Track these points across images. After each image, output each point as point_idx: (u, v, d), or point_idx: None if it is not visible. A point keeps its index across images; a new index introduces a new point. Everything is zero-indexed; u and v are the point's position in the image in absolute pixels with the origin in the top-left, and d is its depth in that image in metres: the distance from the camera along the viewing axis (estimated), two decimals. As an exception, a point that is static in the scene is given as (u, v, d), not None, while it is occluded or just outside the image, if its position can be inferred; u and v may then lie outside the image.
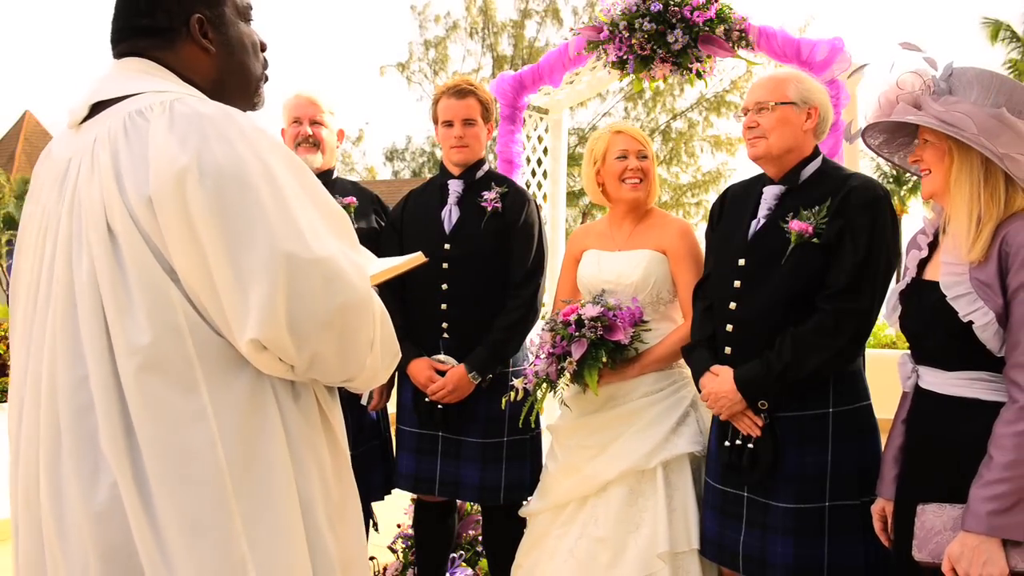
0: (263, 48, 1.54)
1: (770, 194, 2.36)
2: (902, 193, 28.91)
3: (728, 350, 2.36)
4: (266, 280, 1.22)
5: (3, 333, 5.18)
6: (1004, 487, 1.67)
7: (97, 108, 1.37)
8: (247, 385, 1.29)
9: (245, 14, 1.51)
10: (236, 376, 1.28)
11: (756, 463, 2.28)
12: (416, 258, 1.67)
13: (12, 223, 24.01)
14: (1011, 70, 21.86)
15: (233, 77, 1.48)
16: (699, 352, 2.44)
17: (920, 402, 1.93)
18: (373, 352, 1.37)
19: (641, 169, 2.72)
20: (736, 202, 2.49)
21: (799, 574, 2.21)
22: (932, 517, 1.80)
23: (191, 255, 1.23)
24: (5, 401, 4.77)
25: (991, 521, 1.67)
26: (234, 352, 1.28)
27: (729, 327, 2.36)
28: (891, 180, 30.25)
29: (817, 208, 2.24)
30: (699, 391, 2.43)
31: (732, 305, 2.35)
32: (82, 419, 1.25)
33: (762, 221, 2.35)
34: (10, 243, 24.87)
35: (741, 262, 2.35)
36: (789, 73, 2.48)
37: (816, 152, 2.37)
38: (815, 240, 2.21)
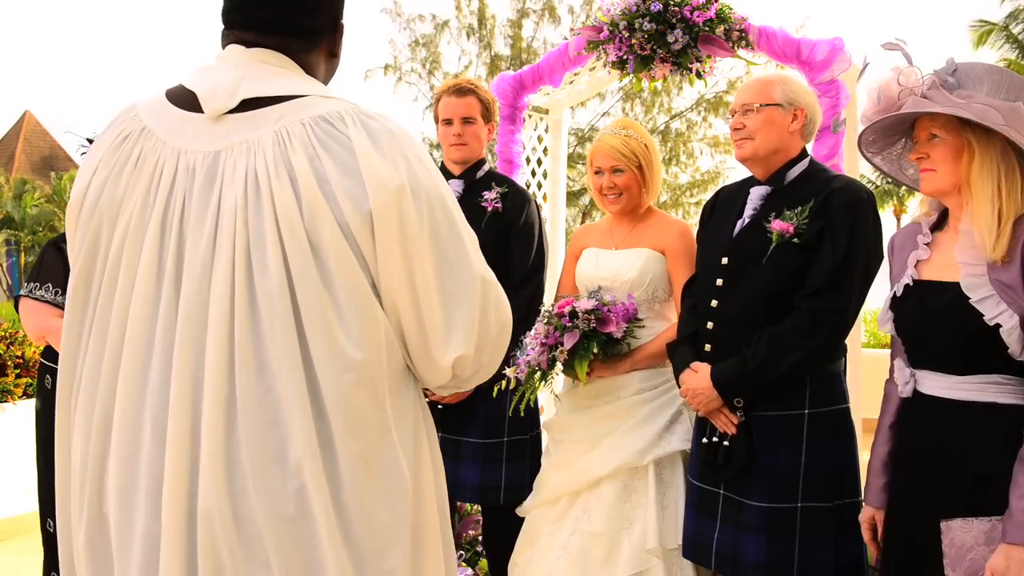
0: None
1: (756, 195, 2.38)
2: (901, 193, 28.90)
3: (708, 347, 2.37)
4: (469, 302, 1.29)
5: (3, 333, 5.17)
6: None
7: (243, 103, 1.29)
8: (412, 397, 1.34)
9: None
10: (407, 389, 1.33)
11: (731, 460, 2.29)
12: None
13: (11, 223, 23.98)
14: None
15: (329, 79, 1.48)
16: (681, 349, 2.46)
17: (918, 407, 1.88)
18: None
19: (615, 185, 2.71)
20: (726, 203, 2.51)
21: (769, 573, 2.21)
22: (961, 533, 1.73)
23: (398, 272, 1.24)
24: (6, 401, 4.77)
25: None
26: (404, 366, 1.32)
27: (710, 324, 2.37)
28: (891, 180, 30.21)
29: (799, 208, 2.25)
30: (679, 387, 2.45)
31: (714, 303, 2.36)
32: (267, 433, 1.20)
33: (747, 221, 2.37)
34: (8, 242, 24.84)
35: (724, 261, 2.37)
36: (776, 75, 2.50)
37: (804, 154, 2.39)
38: (796, 240, 2.22)
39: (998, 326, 1.71)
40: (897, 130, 1.97)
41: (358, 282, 1.22)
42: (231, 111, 1.27)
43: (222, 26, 1.39)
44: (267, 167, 1.22)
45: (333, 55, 1.44)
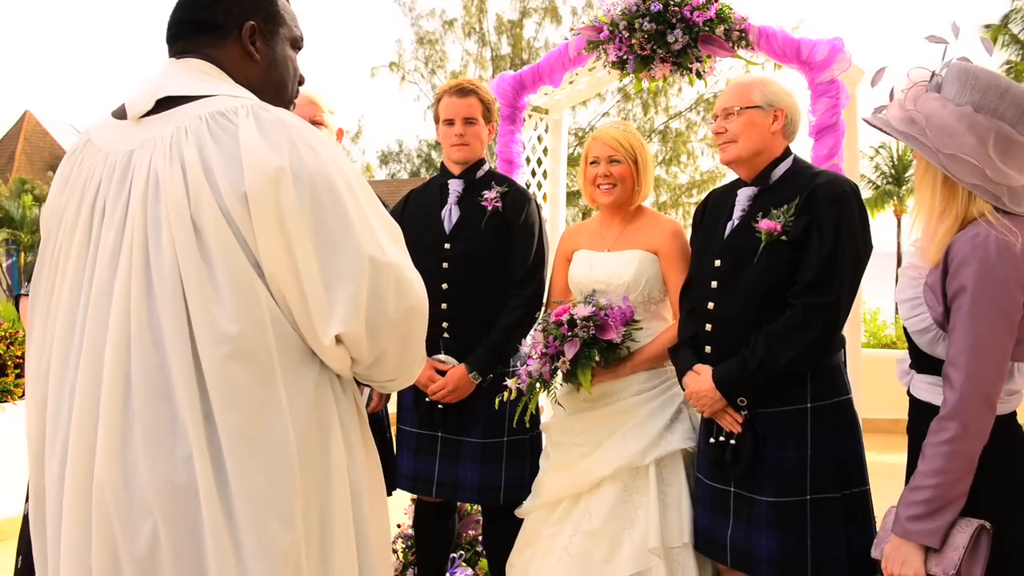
0: (301, 81, 1.62)
1: (743, 196, 2.42)
2: (901, 193, 28.89)
3: (708, 349, 2.41)
4: (352, 280, 1.32)
5: (3, 333, 5.17)
6: (923, 494, 1.72)
7: (161, 105, 1.39)
8: (314, 378, 1.38)
9: (296, 43, 1.60)
10: (307, 369, 1.37)
11: (738, 459, 2.32)
12: None
13: (10, 222, 23.98)
14: (1008, 71, 21.85)
15: (269, 91, 1.53)
16: (683, 352, 2.49)
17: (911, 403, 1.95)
18: (420, 354, 1.49)
19: (610, 174, 2.72)
20: (716, 205, 2.54)
21: (783, 566, 2.24)
22: (890, 519, 1.84)
23: (279, 252, 1.29)
24: (6, 401, 4.77)
25: (906, 526, 1.74)
26: (304, 347, 1.36)
27: (708, 326, 2.41)
28: (891, 180, 30.22)
29: (786, 206, 2.28)
30: (683, 390, 2.47)
31: (710, 305, 2.40)
32: (159, 403, 1.28)
33: (736, 222, 2.41)
34: (7, 242, 24.84)
35: (717, 263, 2.41)
36: (754, 78, 2.55)
37: (787, 153, 2.43)
38: (784, 238, 2.26)
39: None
40: None
41: (237, 261, 1.29)
42: (150, 112, 1.39)
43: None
44: (164, 160, 1.33)
45: (251, 57, 1.50)
